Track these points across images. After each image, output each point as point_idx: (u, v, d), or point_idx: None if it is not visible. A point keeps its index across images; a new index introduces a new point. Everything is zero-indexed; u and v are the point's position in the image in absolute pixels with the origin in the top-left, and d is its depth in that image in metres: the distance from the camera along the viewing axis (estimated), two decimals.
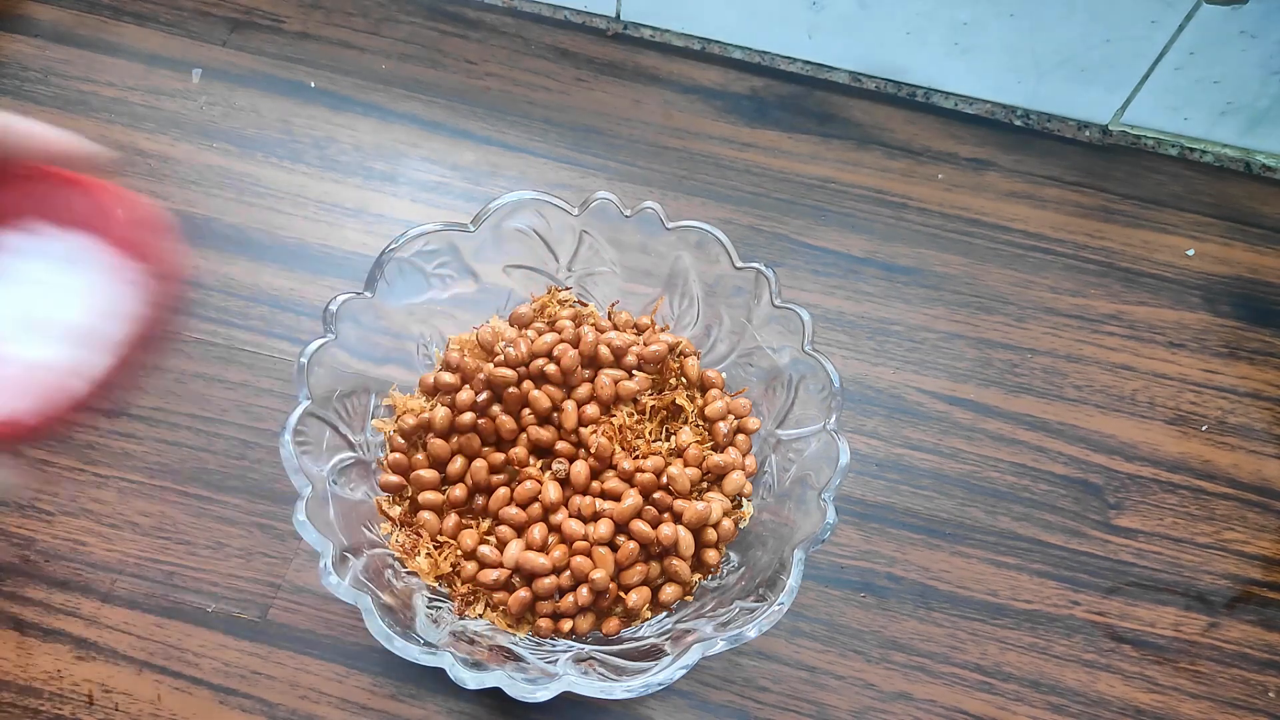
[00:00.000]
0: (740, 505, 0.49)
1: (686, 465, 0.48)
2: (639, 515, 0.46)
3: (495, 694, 0.44)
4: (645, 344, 0.50)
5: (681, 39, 0.74)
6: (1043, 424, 0.59)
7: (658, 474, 0.47)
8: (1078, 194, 0.69)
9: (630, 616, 0.46)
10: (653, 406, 0.49)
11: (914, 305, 0.63)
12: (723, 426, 0.50)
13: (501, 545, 0.46)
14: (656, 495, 0.46)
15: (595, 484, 0.47)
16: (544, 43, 0.72)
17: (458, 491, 0.47)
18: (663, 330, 0.53)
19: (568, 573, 0.45)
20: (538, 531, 0.46)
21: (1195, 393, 0.61)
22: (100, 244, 0.30)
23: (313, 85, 0.69)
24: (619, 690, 0.38)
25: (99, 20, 0.70)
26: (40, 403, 0.28)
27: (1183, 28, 0.64)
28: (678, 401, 0.50)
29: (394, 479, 0.48)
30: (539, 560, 0.45)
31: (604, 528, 0.45)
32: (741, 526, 0.48)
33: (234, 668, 0.48)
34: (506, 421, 0.48)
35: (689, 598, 0.47)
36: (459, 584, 0.46)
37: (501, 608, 0.46)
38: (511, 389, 0.48)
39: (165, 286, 0.30)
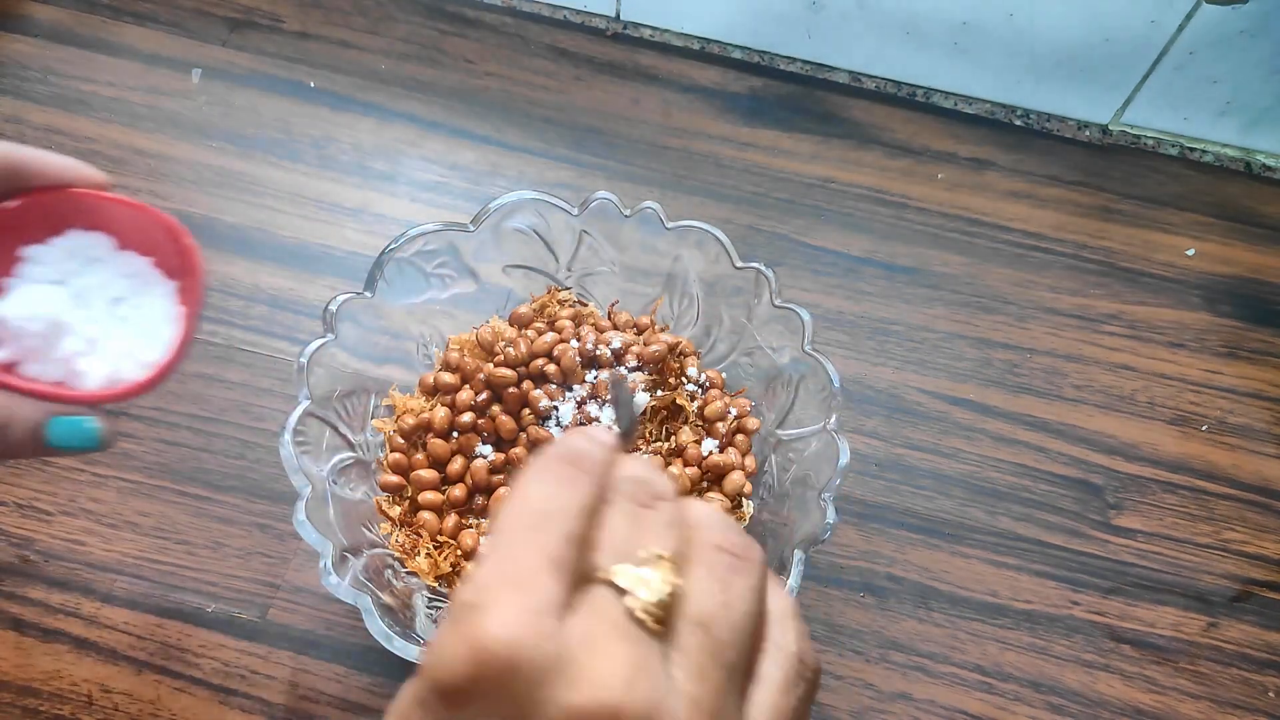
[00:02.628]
0: (740, 505, 0.49)
1: (686, 465, 0.48)
2: None
3: None
4: (645, 344, 0.50)
5: (681, 39, 0.74)
6: (1043, 424, 0.59)
7: None
8: (1078, 194, 0.69)
9: None
10: (653, 406, 0.49)
11: (914, 305, 0.63)
12: (722, 427, 0.50)
13: None
14: None
15: None
16: (544, 42, 0.72)
17: (458, 491, 0.47)
18: (663, 330, 0.53)
19: None
20: None
21: (1196, 393, 0.61)
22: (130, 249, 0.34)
23: (312, 85, 0.69)
24: None
25: (99, 20, 0.70)
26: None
27: (1183, 28, 0.64)
28: (678, 401, 0.50)
29: (394, 479, 0.48)
30: None
31: None
32: (741, 526, 0.48)
33: (234, 668, 0.48)
34: (506, 421, 0.48)
35: None
36: (459, 584, 0.46)
37: None
38: (511, 389, 0.48)
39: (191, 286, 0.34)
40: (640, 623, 0.19)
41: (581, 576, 0.20)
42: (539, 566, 0.19)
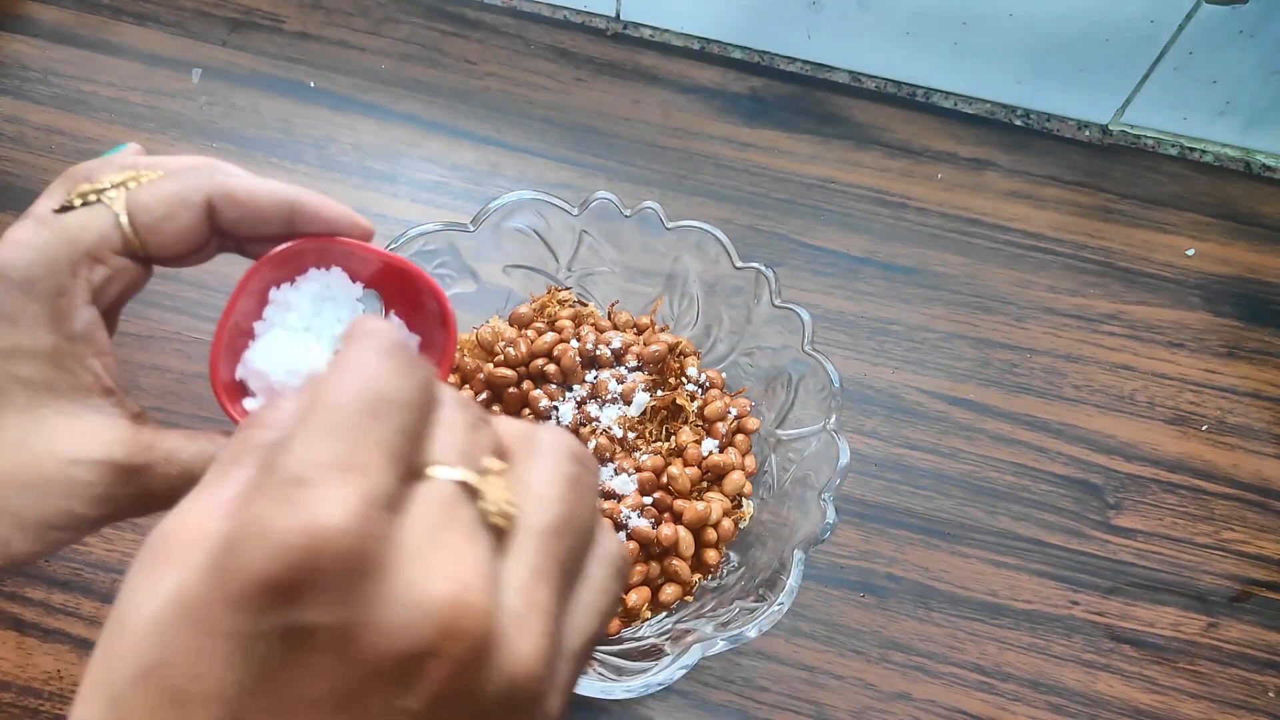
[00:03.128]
0: (740, 505, 0.49)
1: (686, 465, 0.48)
2: (639, 513, 0.46)
3: None
4: (645, 344, 0.50)
5: (681, 39, 0.74)
6: (1042, 424, 0.59)
7: (657, 473, 0.47)
8: (1077, 194, 0.69)
9: (630, 616, 0.46)
10: (653, 406, 0.49)
11: (913, 305, 0.63)
12: (722, 427, 0.50)
13: None
14: (656, 495, 0.46)
15: None
16: (544, 43, 0.72)
17: None
18: (663, 330, 0.53)
19: None
20: None
21: (1195, 392, 0.61)
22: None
23: (313, 85, 0.69)
24: (619, 690, 0.38)
25: (99, 20, 0.70)
26: None
27: (1182, 28, 0.64)
28: (678, 401, 0.50)
29: None
30: None
31: None
32: (741, 526, 0.48)
33: None
34: None
35: (689, 598, 0.47)
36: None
37: None
38: (511, 389, 0.48)
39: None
40: (492, 527, 0.19)
41: (412, 474, 0.18)
42: (378, 453, 0.17)
